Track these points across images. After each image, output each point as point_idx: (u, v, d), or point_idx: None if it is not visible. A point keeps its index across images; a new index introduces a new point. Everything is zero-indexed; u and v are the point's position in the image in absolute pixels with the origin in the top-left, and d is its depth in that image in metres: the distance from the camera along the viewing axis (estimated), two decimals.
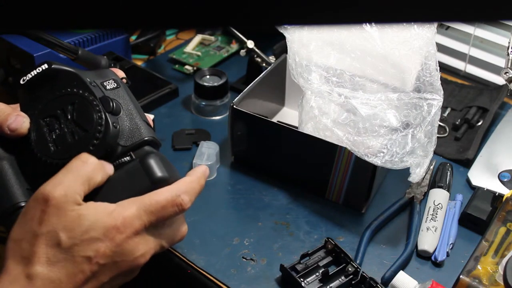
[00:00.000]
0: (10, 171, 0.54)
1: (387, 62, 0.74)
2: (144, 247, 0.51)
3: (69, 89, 0.54)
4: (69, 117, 0.54)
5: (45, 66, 0.55)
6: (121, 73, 0.60)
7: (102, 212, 0.49)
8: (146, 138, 0.55)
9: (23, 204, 0.52)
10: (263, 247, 0.70)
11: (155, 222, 0.51)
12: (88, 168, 0.50)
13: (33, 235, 0.48)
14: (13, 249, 0.48)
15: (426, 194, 0.77)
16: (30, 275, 0.47)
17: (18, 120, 0.54)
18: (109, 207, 0.50)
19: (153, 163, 0.53)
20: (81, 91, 0.54)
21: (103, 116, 0.53)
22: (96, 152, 0.52)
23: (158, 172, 0.53)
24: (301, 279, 0.64)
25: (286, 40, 0.74)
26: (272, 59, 0.93)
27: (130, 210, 0.50)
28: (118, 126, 0.53)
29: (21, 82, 0.55)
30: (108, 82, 0.57)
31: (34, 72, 0.55)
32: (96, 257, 0.48)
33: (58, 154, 0.53)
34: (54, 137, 0.54)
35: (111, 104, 0.54)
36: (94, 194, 0.52)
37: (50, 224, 0.48)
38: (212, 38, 1.08)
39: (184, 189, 0.53)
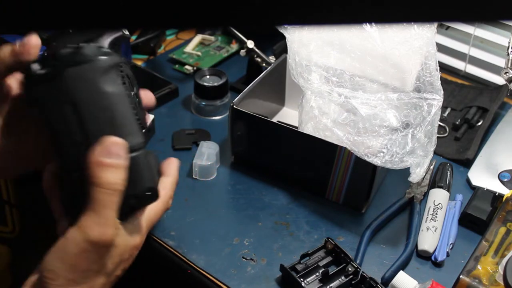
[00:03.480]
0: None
1: (387, 62, 0.74)
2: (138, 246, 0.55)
3: None
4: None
5: None
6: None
7: (127, 235, 0.52)
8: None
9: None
10: (263, 247, 0.70)
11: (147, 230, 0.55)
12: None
13: (84, 273, 0.49)
14: (54, 279, 0.49)
15: (426, 194, 0.77)
16: None
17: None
18: (128, 227, 0.52)
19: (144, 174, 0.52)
20: None
21: None
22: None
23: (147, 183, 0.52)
24: (301, 279, 0.64)
25: (286, 40, 0.74)
26: (272, 59, 0.93)
27: (144, 229, 0.53)
28: None
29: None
30: None
31: None
32: (121, 273, 0.53)
33: None
34: None
35: None
36: None
37: (102, 262, 0.50)
38: (212, 38, 1.08)
39: (170, 193, 0.56)
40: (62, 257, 0.49)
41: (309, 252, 0.67)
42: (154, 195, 0.52)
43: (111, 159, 0.48)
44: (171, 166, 0.57)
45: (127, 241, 0.51)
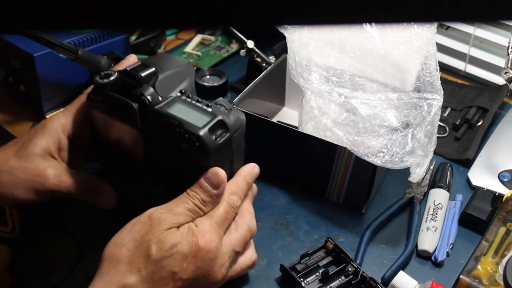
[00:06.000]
0: None
1: (387, 62, 0.74)
2: (220, 261, 0.54)
3: None
4: None
5: None
6: None
7: (185, 229, 0.53)
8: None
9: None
10: (263, 247, 0.70)
11: (223, 233, 0.56)
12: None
13: (134, 244, 0.51)
14: (113, 253, 0.51)
15: (426, 194, 0.77)
16: (124, 285, 0.49)
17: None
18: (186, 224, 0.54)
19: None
20: None
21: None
22: None
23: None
24: (301, 279, 0.64)
25: (286, 40, 0.74)
26: (272, 59, 0.93)
27: (206, 226, 0.54)
28: None
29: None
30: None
31: None
32: (180, 272, 0.51)
33: None
34: None
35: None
36: None
37: (149, 236, 0.51)
38: (212, 38, 1.08)
39: (231, 190, 0.58)
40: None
41: (309, 252, 0.67)
42: None
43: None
44: (242, 168, 0.62)
45: (185, 234, 0.52)
